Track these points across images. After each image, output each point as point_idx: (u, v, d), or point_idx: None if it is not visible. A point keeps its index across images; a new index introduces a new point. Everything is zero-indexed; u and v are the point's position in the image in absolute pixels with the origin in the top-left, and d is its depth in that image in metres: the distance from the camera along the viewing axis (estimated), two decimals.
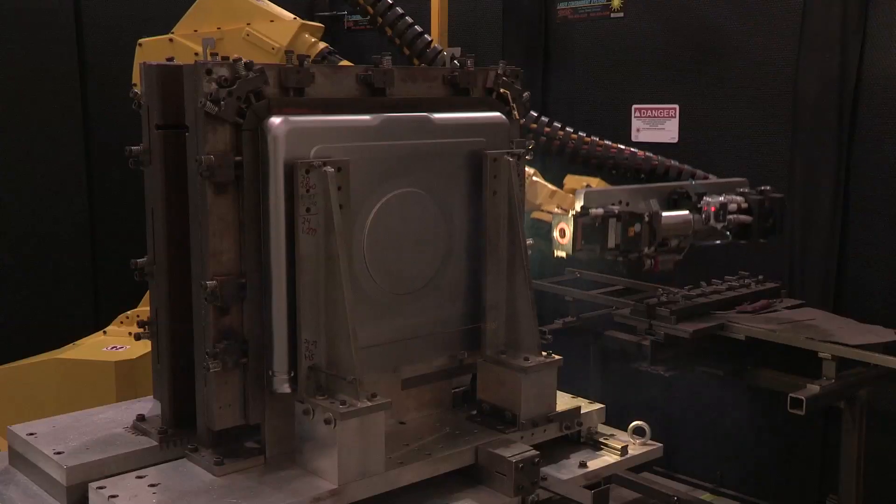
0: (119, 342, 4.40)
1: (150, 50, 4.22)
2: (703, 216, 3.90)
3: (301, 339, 2.30)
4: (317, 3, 7.39)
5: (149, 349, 3.75)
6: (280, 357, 2.34)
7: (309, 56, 2.47)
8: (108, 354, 4.30)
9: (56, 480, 2.33)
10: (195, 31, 4.21)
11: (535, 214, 3.88)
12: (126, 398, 3.91)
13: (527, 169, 3.04)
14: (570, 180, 4.21)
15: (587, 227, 3.51)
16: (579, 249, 3.54)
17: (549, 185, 4.04)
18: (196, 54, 4.07)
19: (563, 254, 3.57)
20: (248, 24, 4.12)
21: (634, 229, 3.58)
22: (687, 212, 3.93)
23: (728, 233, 4.03)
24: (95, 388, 4.19)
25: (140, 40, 4.27)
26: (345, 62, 4.26)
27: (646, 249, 3.69)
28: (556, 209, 3.89)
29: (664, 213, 3.78)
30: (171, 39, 4.21)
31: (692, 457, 5.33)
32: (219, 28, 4.16)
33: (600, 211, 3.54)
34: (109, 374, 4.19)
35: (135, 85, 4.17)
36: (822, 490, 4.83)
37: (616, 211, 3.59)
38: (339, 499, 2.25)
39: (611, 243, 3.57)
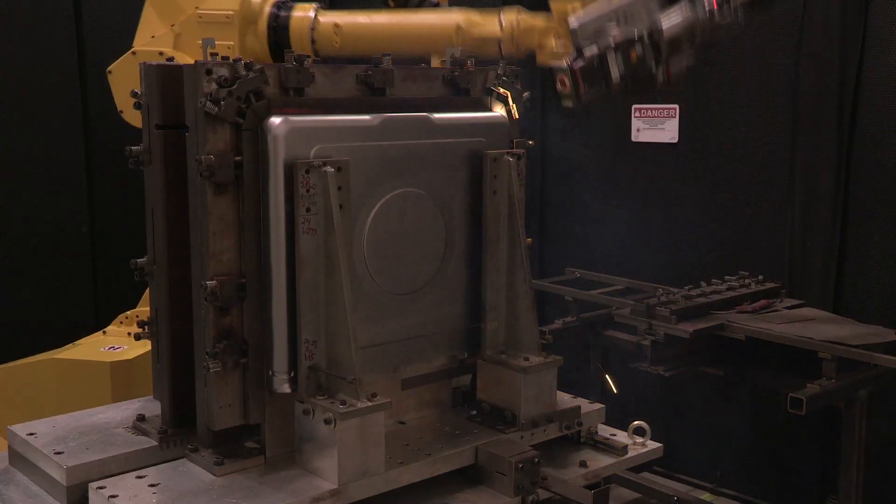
0: (118, 342, 4.40)
1: (122, 72, 4.21)
2: (706, 5, 3.62)
3: (301, 339, 2.30)
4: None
5: (147, 349, 3.74)
6: (280, 357, 2.34)
7: (309, 56, 2.46)
8: (105, 354, 4.28)
9: (56, 480, 2.33)
10: (153, 37, 4.19)
11: (540, 60, 3.70)
12: (123, 398, 3.90)
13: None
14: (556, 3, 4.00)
15: (585, 70, 3.37)
16: (584, 93, 3.40)
17: (538, 21, 3.77)
18: (161, 53, 4.06)
19: (570, 103, 3.43)
20: (197, 7, 4.09)
21: (636, 52, 3.43)
22: (685, 9, 3.65)
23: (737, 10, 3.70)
24: (92, 389, 4.18)
25: (109, 68, 4.26)
26: (301, 6, 4.11)
27: (653, 67, 3.51)
28: (553, 44, 3.71)
29: (664, 20, 3.55)
30: (133, 53, 4.20)
31: (692, 457, 5.33)
32: (173, 25, 4.14)
33: (594, 50, 3.38)
34: (105, 374, 4.18)
35: (122, 112, 4.15)
36: (822, 490, 4.83)
37: (611, 43, 3.41)
38: (339, 499, 2.25)
39: (615, 77, 3.41)
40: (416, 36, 3.81)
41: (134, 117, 4.03)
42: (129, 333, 4.33)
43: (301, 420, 2.34)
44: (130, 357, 4.18)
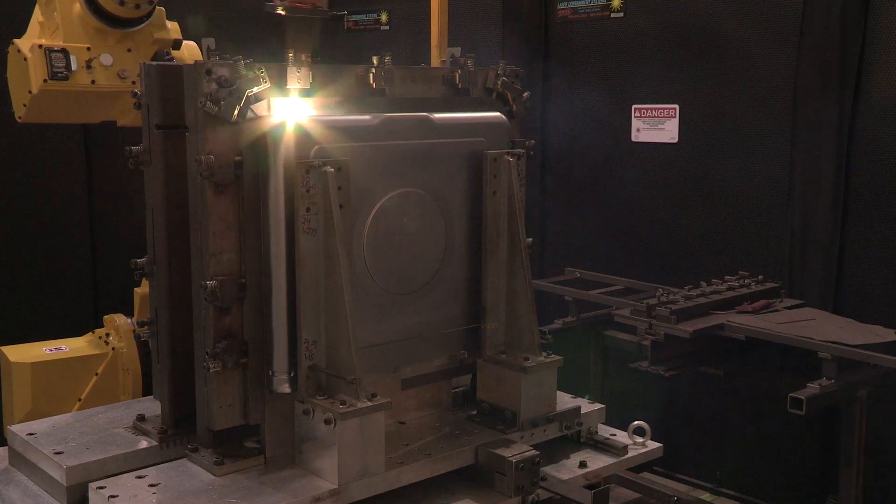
0: (71, 344, 4.36)
1: (12, 73, 4.20)
2: None
3: (301, 339, 2.30)
4: None
5: (85, 353, 3.72)
6: (280, 357, 2.34)
7: (308, 55, 2.46)
8: (29, 355, 4.22)
9: (56, 480, 2.33)
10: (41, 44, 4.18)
11: None
12: (42, 401, 3.88)
13: None
14: None
15: None
16: None
17: None
18: (12, 43, 3.99)
19: None
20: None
21: None
22: None
23: None
24: (10, 385, 4.16)
25: (7, 73, 4.25)
26: None
27: None
28: None
29: None
30: (6, 51, 4.19)
31: (692, 457, 5.33)
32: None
33: None
34: (10, 372, 4.14)
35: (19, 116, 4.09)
36: (822, 490, 4.83)
37: None
38: (339, 499, 2.25)
39: None
40: None
41: (19, 108, 3.99)
42: (104, 334, 4.31)
43: (301, 420, 2.34)
44: (29, 361, 4.14)
